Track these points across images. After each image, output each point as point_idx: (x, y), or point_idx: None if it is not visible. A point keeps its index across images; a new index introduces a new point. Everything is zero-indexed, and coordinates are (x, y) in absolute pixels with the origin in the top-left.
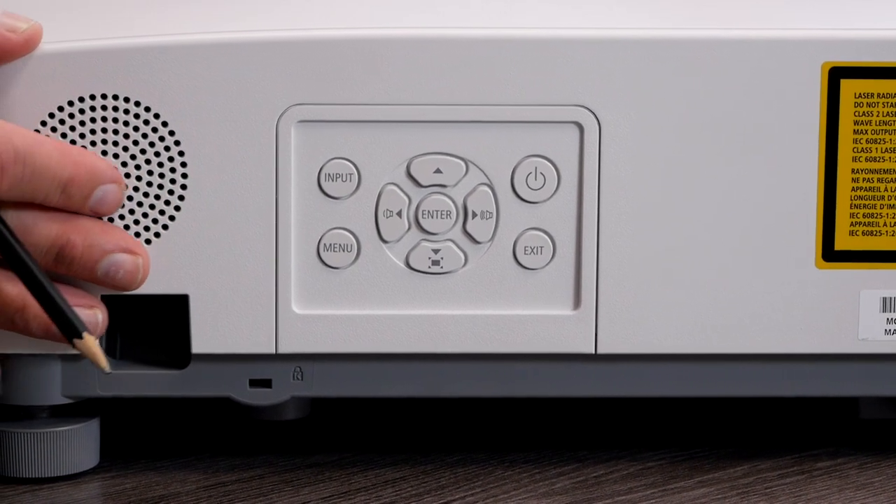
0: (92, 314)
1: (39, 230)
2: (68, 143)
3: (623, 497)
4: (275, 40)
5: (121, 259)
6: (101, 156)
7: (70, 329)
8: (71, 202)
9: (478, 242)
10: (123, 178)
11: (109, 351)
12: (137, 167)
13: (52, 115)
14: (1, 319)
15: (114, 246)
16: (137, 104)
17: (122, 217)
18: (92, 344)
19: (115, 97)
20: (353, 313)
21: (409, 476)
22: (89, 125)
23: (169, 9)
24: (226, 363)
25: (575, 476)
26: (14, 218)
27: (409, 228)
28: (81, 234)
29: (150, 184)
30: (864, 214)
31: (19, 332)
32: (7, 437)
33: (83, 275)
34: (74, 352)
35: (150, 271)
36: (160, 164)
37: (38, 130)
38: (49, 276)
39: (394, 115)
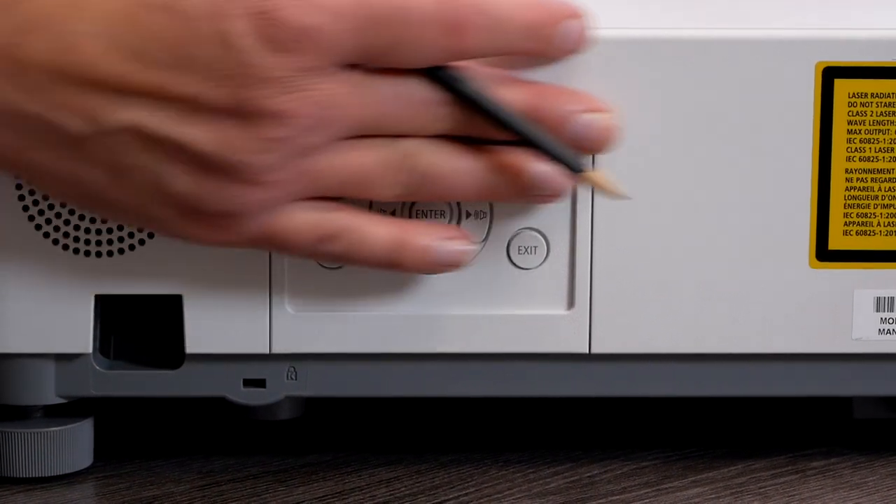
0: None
1: (508, 99)
2: None
3: (617, 497)
4: None
5: (589, 118)
6: None
7: (574, 164)
8: (538, 45)
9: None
10: (585, 12)
11: (104, 351)
12: None
13: None
14: (506, 194)
15: (583, 106)
16: None
17: None
18: (598, 174)
19: None
20: (347, 313)
21: (403, 476)
22: None
23: None
24: (220, 363)
25: (569, 475)
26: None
27: None
28: (548, 98)
29: None
30: (857, 214)
31: (504, 199)
32: (1, 436)
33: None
34: (68, 351)
35: (144, 272)
36: None
37: None
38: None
39: None
